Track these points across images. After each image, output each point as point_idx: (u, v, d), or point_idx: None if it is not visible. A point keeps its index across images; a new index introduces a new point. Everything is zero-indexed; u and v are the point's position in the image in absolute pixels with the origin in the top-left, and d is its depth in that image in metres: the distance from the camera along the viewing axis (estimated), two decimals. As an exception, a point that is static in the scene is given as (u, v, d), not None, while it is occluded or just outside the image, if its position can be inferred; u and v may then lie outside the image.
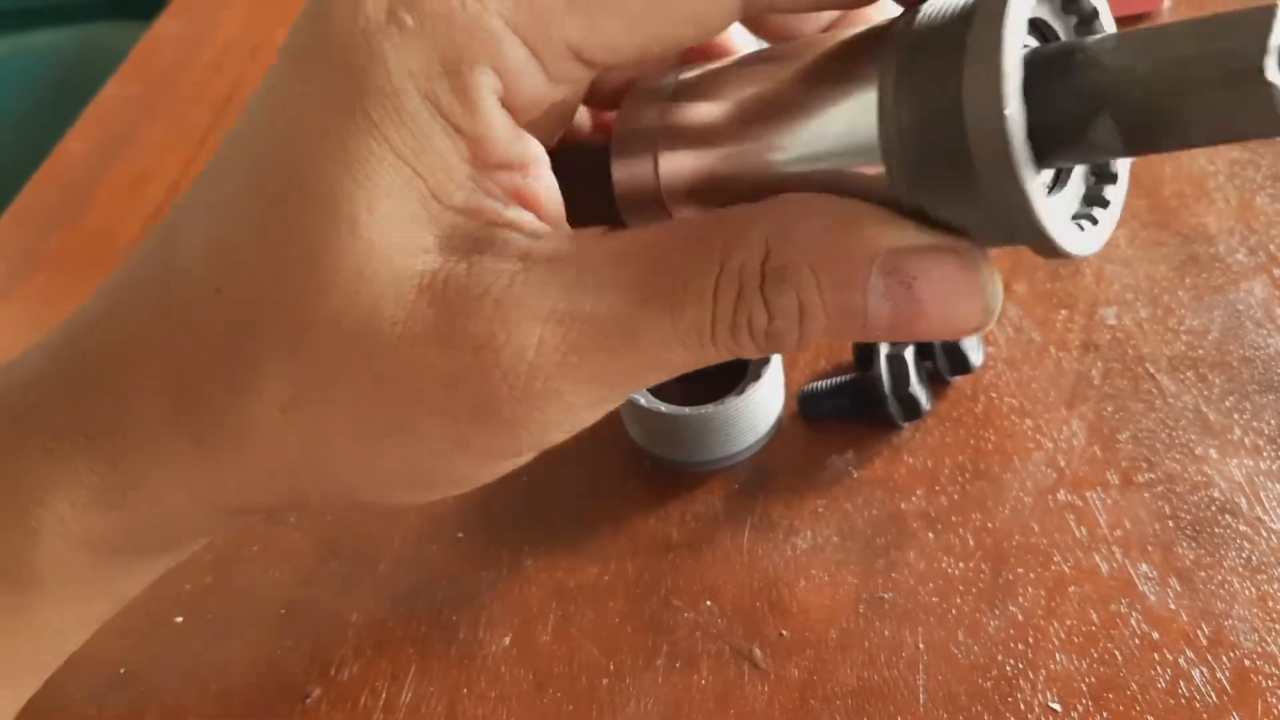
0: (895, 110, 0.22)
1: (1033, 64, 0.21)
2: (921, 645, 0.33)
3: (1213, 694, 0.30)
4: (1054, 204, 0.22)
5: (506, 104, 0.24)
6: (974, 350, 0.39)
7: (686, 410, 0.37)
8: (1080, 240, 0.23)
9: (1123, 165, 0.24)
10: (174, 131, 0.63)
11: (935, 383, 0.39)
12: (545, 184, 0.25)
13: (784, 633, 0.34)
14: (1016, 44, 0.21)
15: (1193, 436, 0.36)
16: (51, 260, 0.57)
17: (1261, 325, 0.39)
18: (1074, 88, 0.21)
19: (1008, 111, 0.20)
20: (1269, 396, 0.37)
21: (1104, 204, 0.24)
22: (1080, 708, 0.31)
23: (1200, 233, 0.42)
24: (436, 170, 0.23)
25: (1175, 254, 0.42)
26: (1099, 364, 0.39)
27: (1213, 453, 0.36)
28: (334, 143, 0.23)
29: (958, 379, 0.39)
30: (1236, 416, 0.37)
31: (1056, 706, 0.31)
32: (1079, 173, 0.24)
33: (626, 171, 0.27)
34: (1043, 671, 0.32)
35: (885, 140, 0.23)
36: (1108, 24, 0.23)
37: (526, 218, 0.24)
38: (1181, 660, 0.31)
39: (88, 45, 1.04)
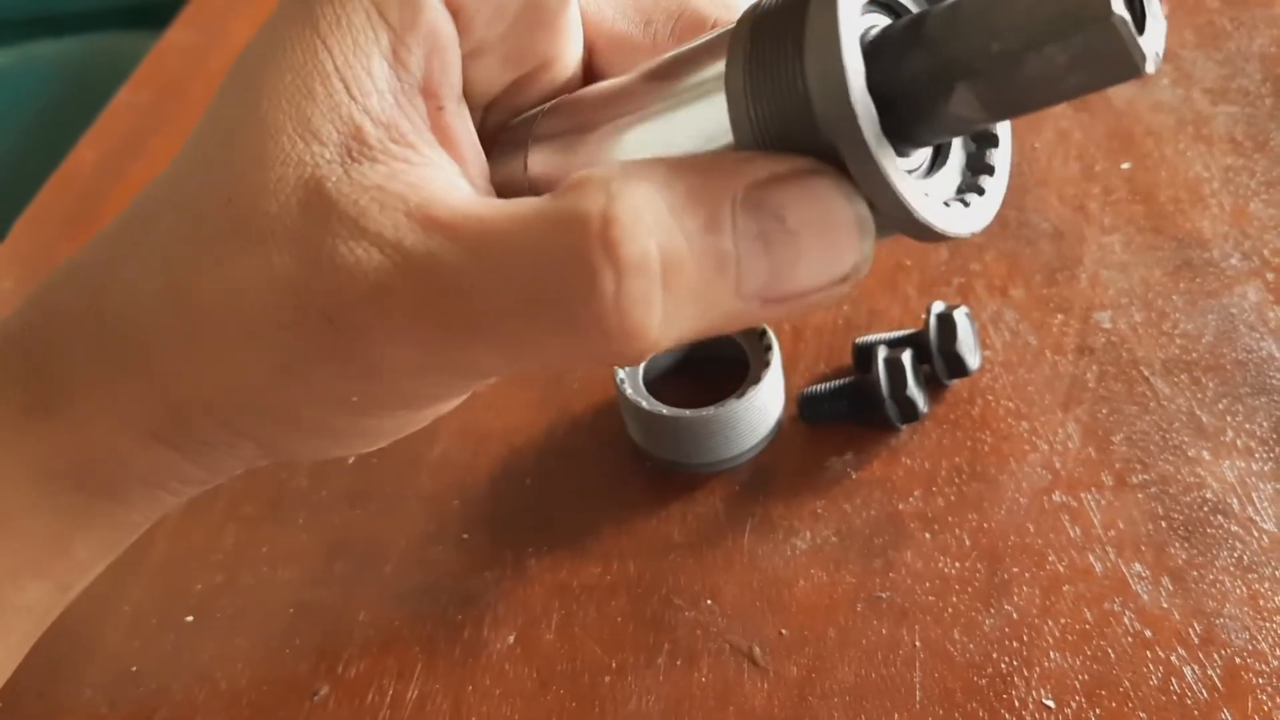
0: (746, 104, 0.21)
1: (879, 44, 0.21)
2: (918, 643, 0.33)
3: (1204, 691, 0.31)
4: (923, 186, 0.21)
5: (449, 4, 0.24)
6: (971, 353, 0.39)
7: (688, 413, 0.38)
8: (959, 218, 0.21)
9: (1001, 126, 0.23)
10: (184, 139, 0.64)
11: (932, 386, 0.40)
12: (465, 126, 0.24)
13: (783, 631, 0.35)
14: (851, 27, 0.20)
15: (1186, 438, 0.37)
16: (64, 266, 0.58)
17: (1254, 329, 0.39)
18: (923, 63, 0.20)
19: (852, 97, 0.19)
20: (1261, 399, 0.37)
21: (990, 171, 0.23)
22: (1074, 705, 0.31)
23: (1195, 238, 0.43)
24: (353, 58, 0.23)
25: (1170, 259, 0.43)
26: (1094, 367, 0.40)
27: (1205, 454, 0.36)
28: (278, 41, 0.23)
29: (955, 382, 0.40)
30: (1229, 419, 0.37)
31: (1050, 703, 0.32)
32: (957, 145, 0.23)
33: (500, 174, 0.27)
34: (1037, 669, 0.32)
35: (739, 133, 0.21)
36: None
37: (435, 151, 0.23)
38: (1174, 658, 0.32)
39: (99, 54, 1.05)
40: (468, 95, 0.25)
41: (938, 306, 0.40)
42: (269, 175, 0.23)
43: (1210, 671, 0.31)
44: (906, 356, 0.38)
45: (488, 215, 0.21)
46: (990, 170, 0.23)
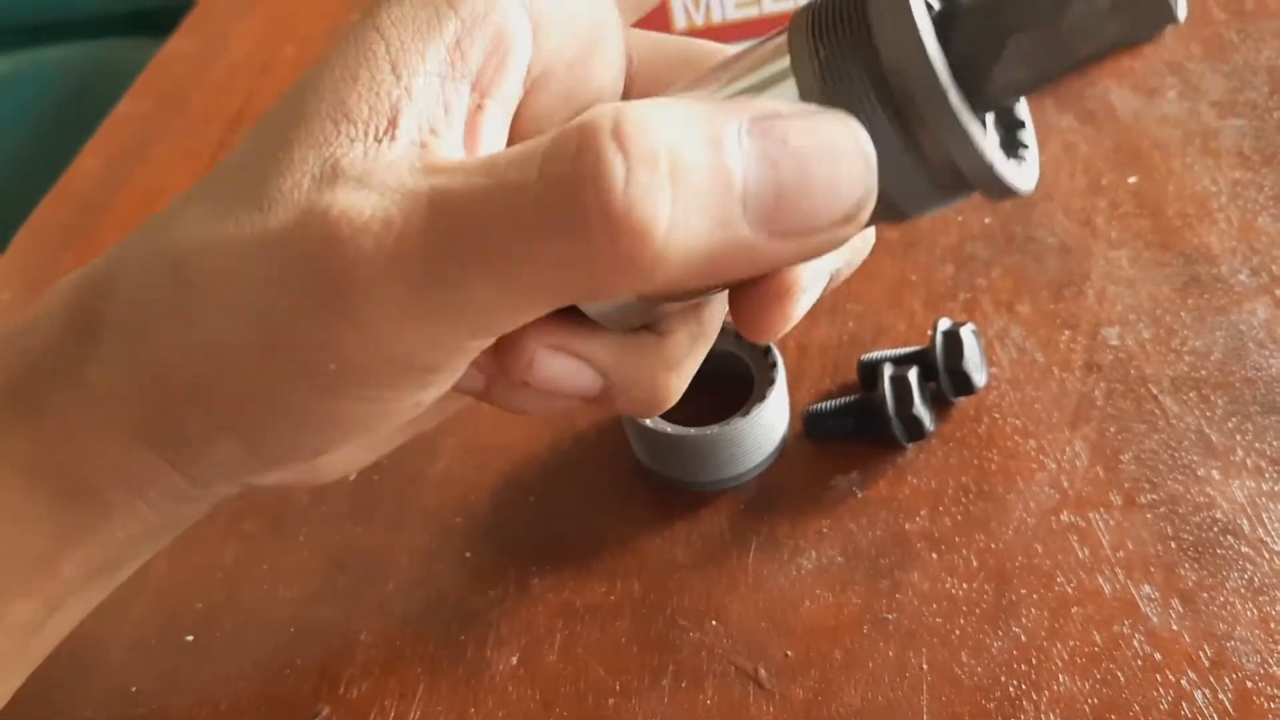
0: (819, 86, 0.22)
1: (935, 17, 0.22)
2: (925, 666, 0.33)
3: (1215, 715, 0.31)
4: (993, 142, 0.23)
5: (531, 11, 0.24)
6: (977, 371, 0.39)
7: (692, 431, 0.37)
8: (1022, 174, 0.23)
9: (1025, 111, 0.25)
10: (186, 148, 0.64)
11: (939, 403, 0.39)
12: (492, 128, 0.24)
13: (789, 653, 0.34)
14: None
15: (1195, 457, 0.37)
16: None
17: (1264, 346, 0.39)
18: (974, 26, 0.22)
19: (931, 60, 0.21)
20: (1271, 418, 0.37)
21: (1025, 145, 0.24)
22: (1083, 729, 0.31)
23: (1203, 254, 0.43)
24: (407, 41, 0.23)
25: (1178, 275, 0.42)
26: (1102, 385, 0.39)
27: (1215, 474, 0.36)
28: (336, 42, 0.24)
29: (961, 399, 0.40)
30: (1239, 438, 0.37)
31: (1059, 728, 0.31)
32: (990, 123, 0.24)
33: None
34: (1046, 693, 0.32)
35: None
36: None
37: (456, 142, 0.23)
38: (1184, 681, 0.32)
39: (101, 61, 1.04)
40: (521, 128, 0.25)
41: (944, 323, 0.39)
42: (291, 155, 0.23)
43: (1221, 695, 0.31)
44: (912, 374, 0.38)
45: (491, 154, 0.22)
46: (1025, 145, 0.24)
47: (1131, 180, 0.46)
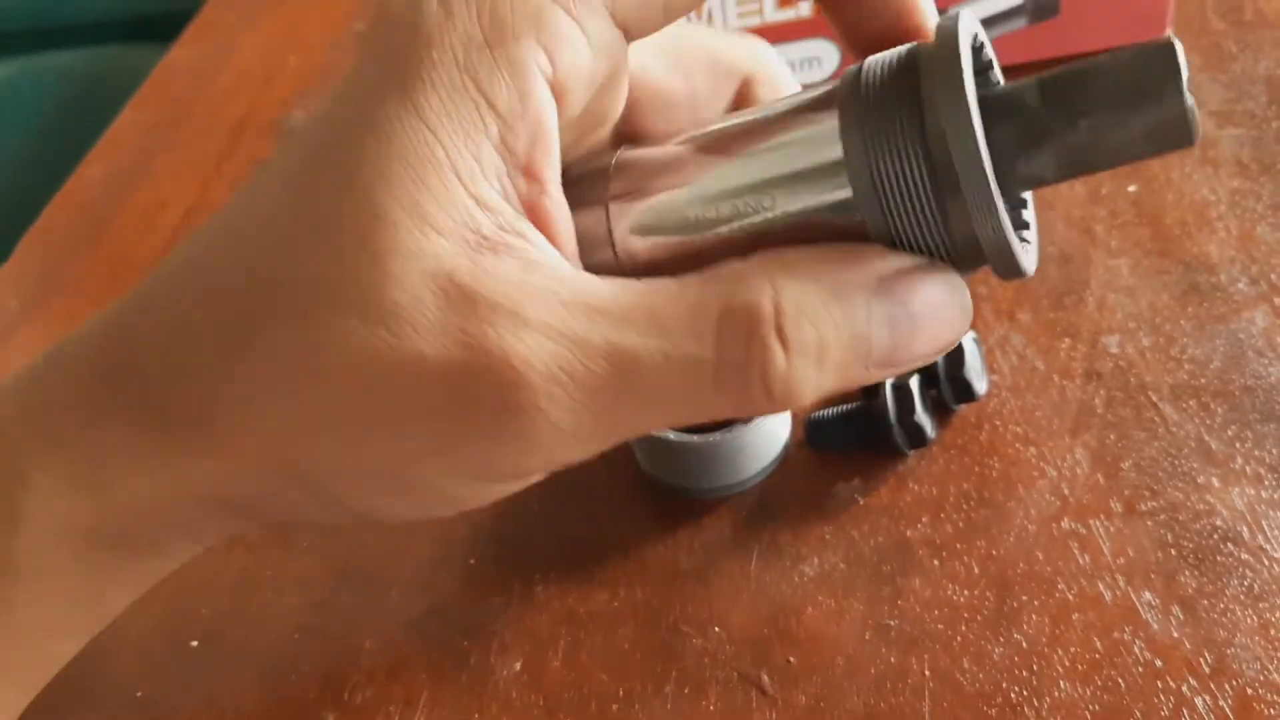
0: (865, 159, 0.24)
1: (982, 102, 0.24)
2: (927, 672, 0.33)
3: (1215, 722, 0.31)
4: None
5: (553, 85, 0.24)
6: (978, 379, 0.39)
7: (695, 438, 0.38)
8: (1030, 257, 0.26)
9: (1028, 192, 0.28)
10: (190, 157, 0.64)
11: (940, 411, 0.40)
12: (558, 205, 0.25)
13: (791, 659, 0.34)
14: (973, 85, 0.24)
15: (1195, 465, 0.37)
16: (69, 285, 0.58)
17: (1263, 354, 0.39)
18: (1016, 129, 0.24)
19: (982, 149, 0.23)
20: (1270, 425, 0.37)
21: (1026, 225, 0.27)
22: (1084, 735, 0.31)
23: (1202, 262, 0.43)
24: (463, 148, 0.23)
25: (1177, 283, 0.42)
26: (1102, 392, 0.40)
27: (1215, 481, 0.36)
28: (376, 124, 0.23)
29: (962, 407, 0.40)
30: (1239, 445, 0.37)
31: (1060, 734, 0.31)
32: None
33: (581, 222, 0.28)
34: (1047, 699, 0.32)
35: (856, 187, 0.25)
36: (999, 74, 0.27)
37: (536, 236, 0.24)
38: (1184, 688, 0.32)
39: (103, 68, 1.05)
40: (620, 20, 0.26)
41: (945, 331, 0.40)
42: (391, 265, 0.23)
43: (1222, 702, 0.31)
44: (914, 382, 0.38)
45: (647, 302, 0.24)
46: (1027, 225, 0.27)
47: (1131, 189, 0.47)
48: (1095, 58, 0.24)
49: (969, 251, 0.25)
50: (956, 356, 0.39)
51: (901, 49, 0.26)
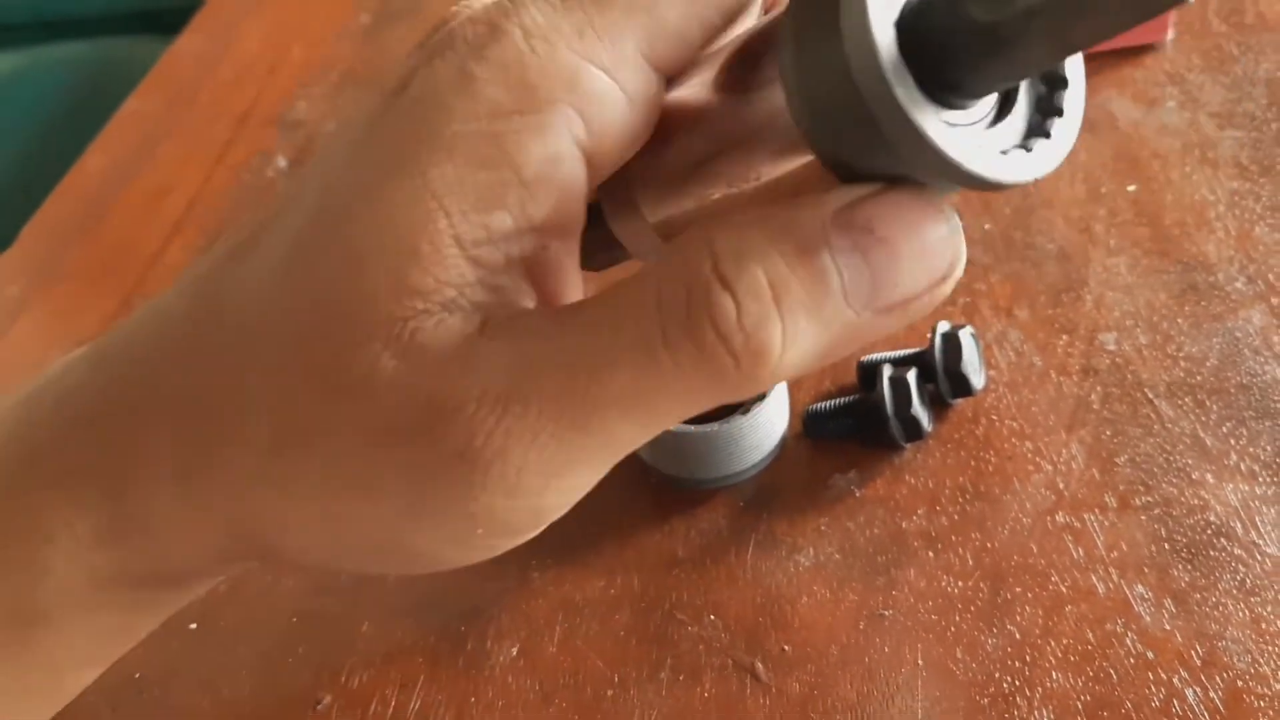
0: (798, 87, 0.21)
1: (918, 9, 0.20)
2: (921, 661, 0.34)
3: (1206, 713, 0.31)
4: (977, 136, 0.21)
5: (586, 149, 0.23)
6: (975, 373, 0.39)
7: (692, 429, 0.38)
8: (1016, 165, 0.21)
9: (1071, 67, 0.22)
10: (193, 146, 0.65)
11: (937, 405, 0.40)
12: (573, 267, 0.24)
13: (786, 648, 0.35)
14: None
15: (1189, 461, 0.37)
16: (71, 273, 0.58)
17: (1259, 353, 0.40)
18: (939, 26, 0.20)
19: (879, 54, 0.19)
20: (1265, 423, 0.38)
21: (1058, 112, 0.22)
22: (1075, 726, 0.31)
23: (1200, 261, 0.43)
24: (471, 214, 0.22)
25: (1175, 282, 0.43)
26: (1098, 389, 0.40)
27: (1209, 477, 0.36)
28: (375, 193, 0.23)
29: (959, 401, 0.40)
30: (1233, 442, 0.37)
31: (1052, 724, 0.32)
32: (1025, 90, 0.23)
33: (616, 221, 0.27)
34: (1039, 689, 0.32)
35: (798, 119, 0.22)
36: None
37: (527, 294, 0.24)
38: (1176, 680, 0.32)
39: (108, 59, 1.05)
40: (655, 61, 0.24)
41: (943, 326, 0.40)
42: (354, 330, 0.22)
43: (1212, 694, 0.31)
44: (911, 375, 0.39)
45: (592, 315, 0.22)
46: (1059, 112, 0.22)
47: (1130, 189, 0.47)
48: None
49: (929, 172, 0.21)
50: (954, 351, 0.39)
51: None
